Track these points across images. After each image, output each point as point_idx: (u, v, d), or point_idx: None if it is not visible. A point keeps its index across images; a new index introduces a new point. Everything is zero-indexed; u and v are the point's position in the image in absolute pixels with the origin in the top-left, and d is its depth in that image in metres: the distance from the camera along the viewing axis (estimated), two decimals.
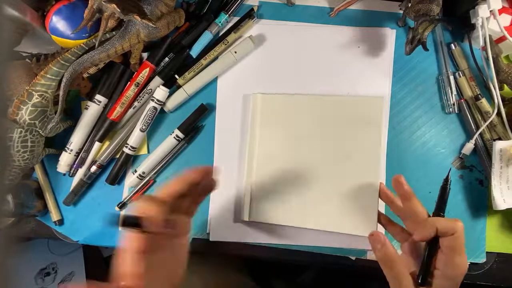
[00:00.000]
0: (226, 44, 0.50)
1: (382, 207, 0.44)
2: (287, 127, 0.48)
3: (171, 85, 0.50)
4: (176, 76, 0.50)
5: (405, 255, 0.38)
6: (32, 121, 0.43)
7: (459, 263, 0.33)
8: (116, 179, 0.49)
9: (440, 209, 0.37)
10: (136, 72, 0.49)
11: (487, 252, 0.47)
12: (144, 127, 0.48)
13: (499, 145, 0.46)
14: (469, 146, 0.48)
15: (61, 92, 0.44)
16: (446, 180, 0.38)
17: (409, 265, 0.36)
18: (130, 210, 0.34)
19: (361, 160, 0.46)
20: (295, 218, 0.46)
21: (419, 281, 0.34)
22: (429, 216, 0.37)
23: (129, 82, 0.49)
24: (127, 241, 0.31)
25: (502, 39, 0.47)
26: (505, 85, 0.48)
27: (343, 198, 0.45)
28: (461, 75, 0.49)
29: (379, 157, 0.46)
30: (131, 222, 0.30)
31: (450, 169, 0.39)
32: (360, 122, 0.47)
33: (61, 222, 0.50)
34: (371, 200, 0.44)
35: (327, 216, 0.45)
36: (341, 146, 0.47)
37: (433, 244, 0.35)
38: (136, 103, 0.50)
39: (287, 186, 0.47)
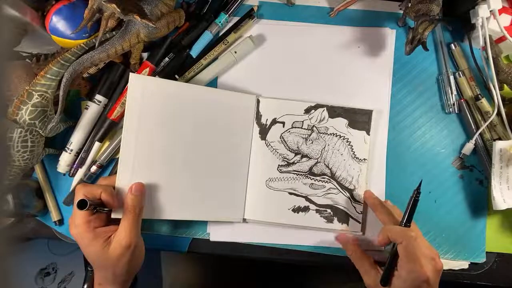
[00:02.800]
0: (226, 44, 0.50)
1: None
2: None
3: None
4: (176, 76, 0.50)
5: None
6: (32, 121, 0.42)
7: (412, 269, 0.38)
8: None
9: (407, 220, 0.41)
10: (136, 72, 0.49)
11: (487, 252, 0.47)
12: None
13: (499, 145, 0.46)
14: (469, 146, 0.48)
15: (61, 92, 0.44)
16: (417, 192, 0.41)
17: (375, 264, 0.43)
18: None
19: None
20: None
21: (381, 281, 0.40)
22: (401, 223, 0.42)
23: None
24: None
25: (502, 39, 0.47)
26: (505, 85, 0.48)
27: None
28: (461, 75, 0.49)
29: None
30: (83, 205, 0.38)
31: (421, 180, 0.41)
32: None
33: (61, 222, 0.50)
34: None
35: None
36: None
37: (394, 251, 0.40)
38: None
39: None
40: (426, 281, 0.37)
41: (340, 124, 0.49)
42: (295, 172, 0.48)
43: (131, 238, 0.40)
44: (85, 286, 0.44)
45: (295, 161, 0.48)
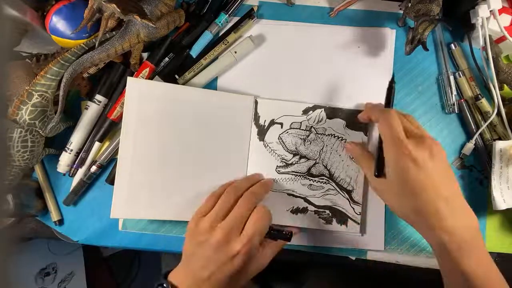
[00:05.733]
0: (226, 44, 0.50)
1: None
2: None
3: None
4: (176, 76, 0.50)
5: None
6: (32, 121, 0.42)
7: (392, 150, 0.37)
8: None
9: (387, 105, 0.43)
10: (136, 72, 0.49)
11: None
12: None
13: (499, 145, 0.46)
14: (469, 146, 0.48)
15: (61, 92, 0.44)
16: (391, 81, 0.43)
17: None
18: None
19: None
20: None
21: (375, 173, 0.41)
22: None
23: None
24: None
25: (502, 39, 0.47)
26: (505, 85, 0.48)
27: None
28: (461, 75, 0.49)
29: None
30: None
31: (394, 72, 0.45)
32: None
33: (61, 222, 0.50)
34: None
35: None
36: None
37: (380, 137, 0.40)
38: None
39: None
40: (413, 160, 0.35)
41: (338, 125, 0.49)
42: (294, 173, 0.48)
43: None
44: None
45: (294, 162, 0.48)
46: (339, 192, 0.48)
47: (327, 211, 0.47)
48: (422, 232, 0.38)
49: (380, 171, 0.41)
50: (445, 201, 0.36)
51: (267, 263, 0.42)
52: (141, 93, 0.46)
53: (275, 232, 0.43)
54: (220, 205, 0.41)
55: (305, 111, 0.49)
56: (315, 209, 0.47)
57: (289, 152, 0.48)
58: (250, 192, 0.42)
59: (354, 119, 0.48)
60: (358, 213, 0.47)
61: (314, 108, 0.49)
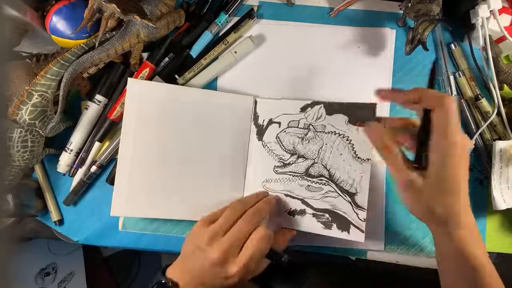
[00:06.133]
0: (226, 44, 0.50)
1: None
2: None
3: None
4: (176, 76, 0.50)
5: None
6: (32, 121, 0.42)
7: (455, 144, 0.33)
8: None
9: (430, 86, 0.38)
10: (136, 72, 0.49)
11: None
12: None
13: (499, 145, 0.46)
14: (469, 146, 0.48)
15: (61, 92, 0.44)
16: (433, 66, 0.39)
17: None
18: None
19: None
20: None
21: (417, 164, 0.36)
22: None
23: None
24: None
25: (502, 39, 0.47)
26: (505, 85, 0.48)
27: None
28: (461, 75, 0.49)
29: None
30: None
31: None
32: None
33: (61, 222, 0.50)
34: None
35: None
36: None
37: (426, 123, 0.35)
38: None
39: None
40: (466, 156, 0.34)
41: (339, 121, 0.46)
42: (291, 173, 0.47)
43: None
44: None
45: (291, 162, 0.47)
46: (340, 195, 0.44)
47: (326, 215, 0.44)
48: (437, 229, 0.38)
49: (422, 162, 0.36)
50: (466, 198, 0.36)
51: (261, 270, 0.43)
52: (141, 94, 0.46)
53: (273, 255, 0.41)
54: (224, 218, 0.41)
55: (303, 108, 0.47)
56: (314, 212, 0.45)
57: (286, 152, 0.47)
58: (254, 209, 0.42)
59: (357, 113, 0.44)
60: (363, 220, 0.43)
61: (313, 104, 0.47)
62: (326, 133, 0.46)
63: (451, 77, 0.49)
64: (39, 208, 0.49)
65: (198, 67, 0.50)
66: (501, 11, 0.46)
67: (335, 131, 0.46)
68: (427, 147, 0.35)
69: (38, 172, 0.50)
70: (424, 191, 0.35)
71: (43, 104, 0.43)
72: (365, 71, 0.50)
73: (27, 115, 0.42)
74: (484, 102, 0.48)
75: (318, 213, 0.45)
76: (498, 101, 0.46)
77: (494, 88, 0.47)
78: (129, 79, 0.46)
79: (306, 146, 0.47)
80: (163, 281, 0.38)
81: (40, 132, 0.44)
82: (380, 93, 0.40)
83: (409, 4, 0.45)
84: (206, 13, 0.51)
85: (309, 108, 0.47)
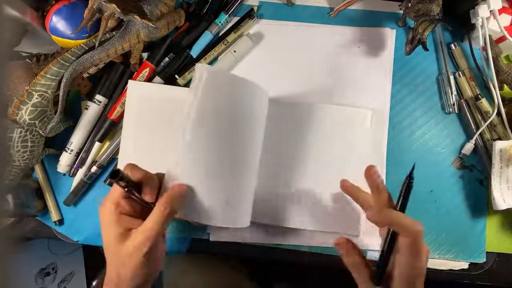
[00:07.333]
0: (226, 44, 0.50)
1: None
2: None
3: (171, 85, 0.50)
4: (176, 76, 0.50)
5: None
6: (32, 121, 0.43)
7: (415, 265, 0.33)
8: None
9: (402, 208, 0.35)
10: (136, 72, 0.49)
11: (487, 252, 0.47)
12: None
13: (499, 145, 0.46)
14: (469, 146, 0.48)
15: (61, 92, 0.44)
16: (410, 178, 0.35)
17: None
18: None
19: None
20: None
21: (375, 279, 0.35)
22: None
23: None
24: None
25: (502, 39, 0.47)
26: (505, 85, 0.48)
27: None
28: (461, 75, 0.49)
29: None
30: (115, 174, 0.34)
31: (414, 164, 0.35)
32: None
33: (61, 222, 0.50)
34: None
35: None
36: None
37: (391, 243, 0.34)
38: None
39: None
40: (424, 275, 0.34)
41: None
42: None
43: (151, 235, 0.34)
44: (94, 284, 0.42)
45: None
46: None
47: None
48: None
49: (380, 280, 0.35)
50: None
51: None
52: (141, 95, 0.47)
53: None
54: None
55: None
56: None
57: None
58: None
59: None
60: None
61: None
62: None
63: (451, 77, 0.49)
64: (39, 208, 0.49)
65: None
66: (501, 11, 0.46)
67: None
68: (387, 268, 0.35)
69: (38, 172, 0.50)
70: None
71: (43, 104, 0.43)
72: (365, 71, 0.50)
73: (27, 115, 0.42)
74: (484, 102, 0.48)
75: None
76: (498, 101, 0.46)
77: (494, 88, 0.46)
78: (129, 81, 0.47)
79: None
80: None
81: (40, 132, 0.44)
82: (344, 185, 0.43)
83: (409, 4, 0.45)
84: (206, 13, 0.51)
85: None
